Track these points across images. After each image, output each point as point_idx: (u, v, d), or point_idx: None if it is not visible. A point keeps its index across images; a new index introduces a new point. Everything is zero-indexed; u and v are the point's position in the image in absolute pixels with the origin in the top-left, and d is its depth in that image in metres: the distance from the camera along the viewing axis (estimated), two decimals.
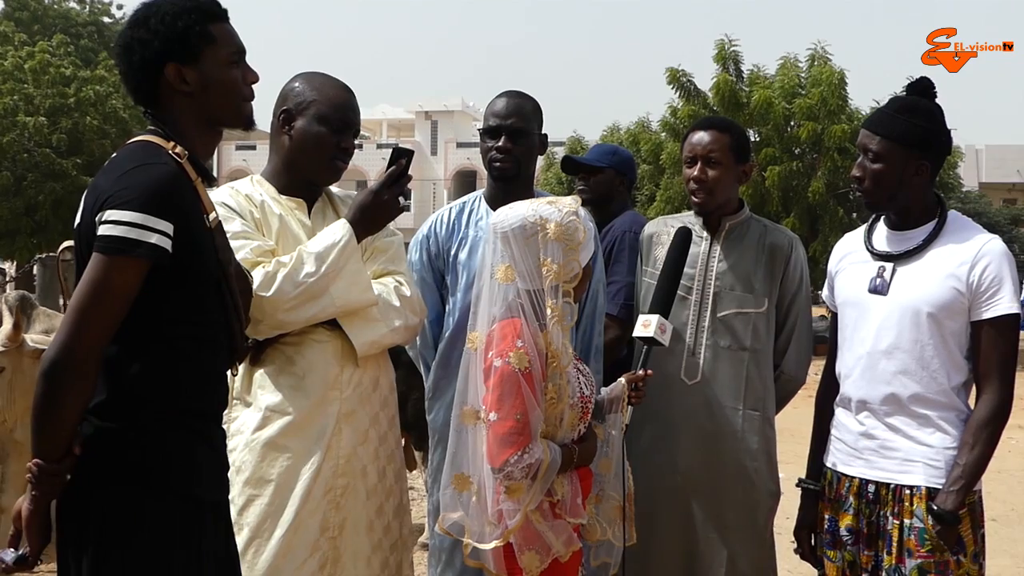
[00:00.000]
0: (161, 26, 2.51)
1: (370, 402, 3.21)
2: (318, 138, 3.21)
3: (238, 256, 2.87)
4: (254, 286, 2.93)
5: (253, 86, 2.63)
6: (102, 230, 2.33)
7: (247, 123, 2.62)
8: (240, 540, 2.97)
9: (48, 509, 2.42)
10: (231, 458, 3.00)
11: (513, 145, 3.72)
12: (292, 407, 3.07)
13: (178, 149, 2.48)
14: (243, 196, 3.20)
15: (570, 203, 3.02)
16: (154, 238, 2.32)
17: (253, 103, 2.64)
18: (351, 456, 3.14)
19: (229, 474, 2.91)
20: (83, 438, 2.38)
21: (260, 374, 3.11)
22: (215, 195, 3.16)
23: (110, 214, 2.33)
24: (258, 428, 3.06)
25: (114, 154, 2.54)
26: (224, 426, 3.02)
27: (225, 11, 2.60)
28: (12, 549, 2.42)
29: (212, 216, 2.54)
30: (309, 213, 3.28)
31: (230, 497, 2.91)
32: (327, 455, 3.09)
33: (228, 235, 2.91)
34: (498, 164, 3.74)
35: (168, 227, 2.34)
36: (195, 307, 2.49)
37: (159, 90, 2.54)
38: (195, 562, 2.48)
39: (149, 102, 2.57)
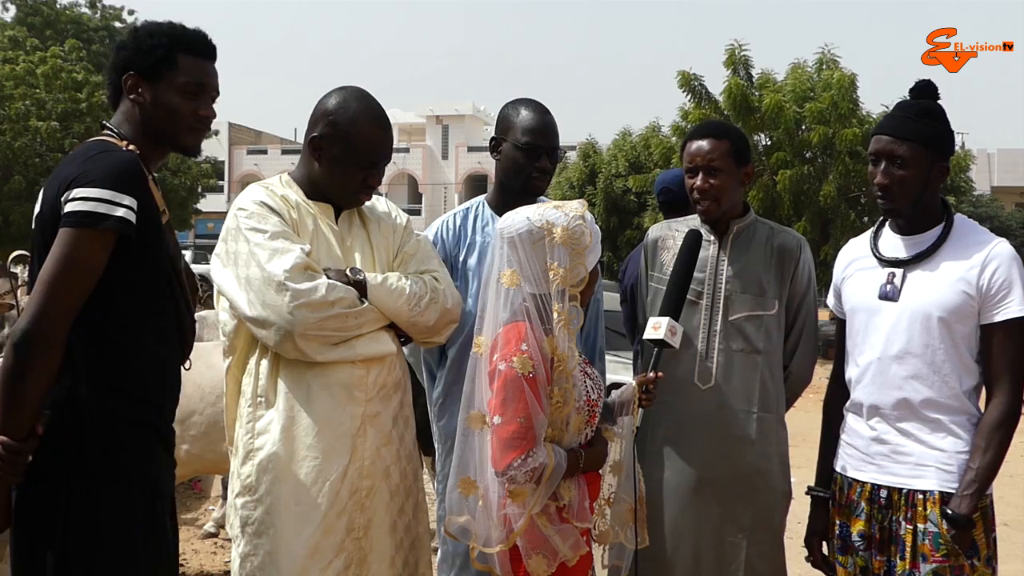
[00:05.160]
0: (137, 38, 2.77)
1: (391, 403, 3.22)
2: (345, 173, 3.23)
3: (288, 257, 3.02)
4: (310, 295, 3.01)
5: (207, 121, 2.82)
6: (69, 207, 2.47)
7: (187, 150, 2.84)
8: (269, 539, 3.04)
9: (9, 493, 2.50)
10: (258, 456, 3.08)
11: (552, 165, 3.80)
12: (318, 408, 3.08)
13: (131, 147, 2.65)
14: (279, 197, 3.21)
15: (576, 207, 3.02)
16: (120, 212, 2.48)
17: (203, 134, 2.85)
18: (375, 457, 3.16)
19: (257, 473, 3.08)
20: (46, 420, 2.48)
21: (284, 375, 3.12)
22: (252, 192, 3.24)
23: (77, 192, 2.47)
24: (285, 428, 3.07)
25: (71, 151, 2.72)
26: (249, 425, 3.10)
27: (205, 48, 2.81)
28: None
29: (164, 213, 2.72)
30: (336, 219, 3.31)
31: (258, 496, 3.06)
32: (353, 456, 3.11)
33: (266, 234, 3.06)
34: (538, 182, 3.79)
35: (132, 202, 2.50)
36: (150, 297, 2.63)
37: (120, 94, 2.77)
38: (153, 553, 2.64)
39: (114, 105, 2.79)
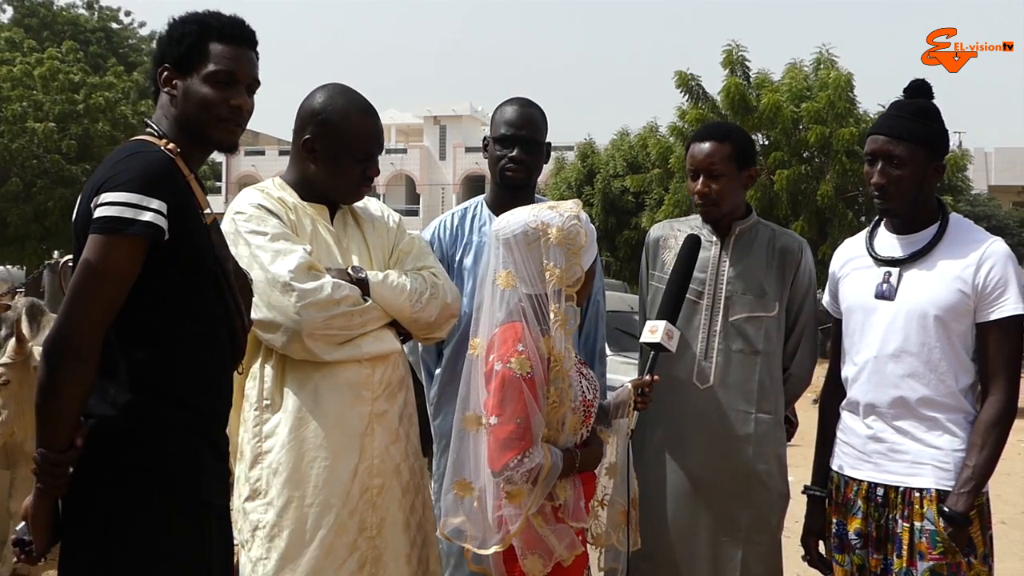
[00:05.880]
0: (171, 27, 2.63)
1: (397, 401, 3.23)
2: (343, 169, 3.24)
3: (292, 258, 3.01)
4: (316, 294, 3.01)
5: (240, 111, 2.62)
6: (97, 213, 2.37)
7: (220, 145, 2.66)
8: (282, 541, 3.02)
9: (55, 504, 2.42)
10: (267, 459, 3.07)
11: (526, 156, 3.78)
12: (325, 408, 3.09)
13: (170, 145, 2.54)
14: (275, 199, 3.22)
15: (571, 207, 3.02)
16: (147, 216, 2.36)
17: (237, 127, 2.64)
18: (384, 455, 3.17)
19: (266, 476, 3.02)
20: (87, 431, 2.39)
21: (290, 377, 3.13)
22: (246, 195, 3.22)
23: (104, 197, 2.37)
24: (293, 430, 3.08)
25: (108, 154, 2.60)
26: (256, 428, 3.08)
27: (239, 34, 2.64)
28: (24, 527, 2.44)
29: (207, 213, 2.59)
30: (332, 219, 3.31)
31: (269, 499, 3.01)
32: (362, 455, 3.11)
33: (267, 236, 3.03)
34: (510, 174, 3.80)
35: (161, 205, 2.38)
36: (194, 301, 2.53)
37: (158, 87, 2.64)
38: (197, 564, 2.51)
39: (156, 100, 2.67)
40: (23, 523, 2.46)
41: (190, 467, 2.52)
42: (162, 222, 2.38)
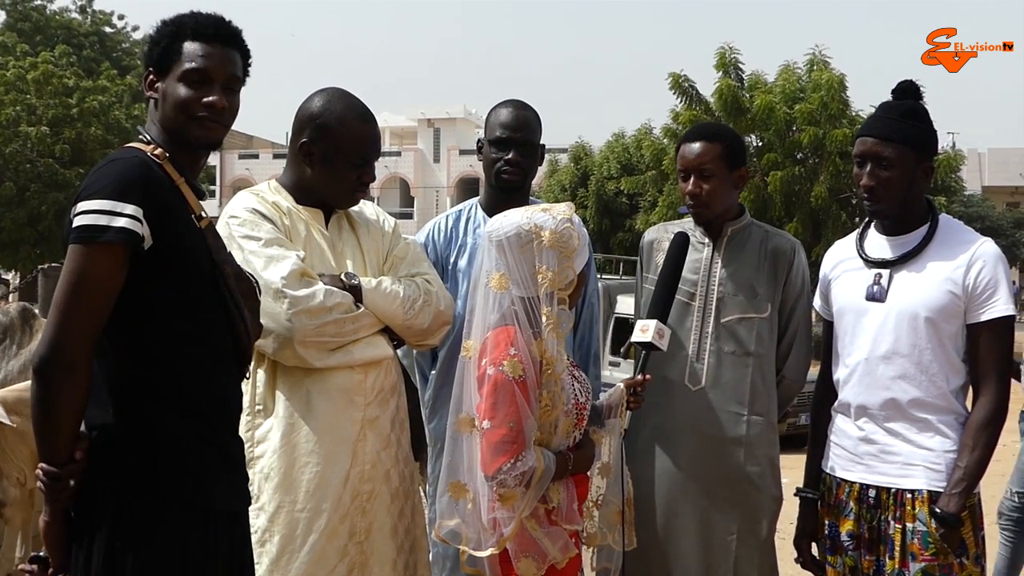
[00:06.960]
0: (153, 30, 2.61)
1: (389, 407, 3.24)
2: (339, 174, 3.24)
3: (285, 264, 3.00)
4: (307, 301, 3.00)
5: (215, 109, 2.54)
6: (74, 223, 2.34)
7: (198, 143, 2.57)
8: (273, 546, 3.02)
9: (64, 526, 2.40)
10: (259, 464, 3.05)
11: (522, 158, 3.79)
12: (318, 414, 3.09)
13: (157, 151, 2.50)
14: (270, 203, 3.22)
15: (564, 210, 3.02)
16: (121, 221, 2.31)
17: (216, 124, 2.56)
18: (375, 461, 3.17)
19: (258, 480, 2.97)
20: (88, 443, 2.37)
21: (282, 382, 3.13)
22: (243, 199, 3.21)
23: (79, 206, 2.35)
24: (285, 435, 3.08)
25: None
26: (248, 433, 3.04)
27: (214, 32, 2.58)
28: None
29: (202, 216, 2.55)
30: (326, 224, 3.31)
31: (260, 504, 2.96)
32: (354, 461, 3.11)
33: (261, 241, 3.02)
34: (506, 176, 3.80)
35: (136, 210, 2.33)
36: (188, 306, 2.48)
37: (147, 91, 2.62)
38: (203, 571, 2.46)
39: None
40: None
41: (195, 476, 2.47)
42: (137, 227, 2.33)
